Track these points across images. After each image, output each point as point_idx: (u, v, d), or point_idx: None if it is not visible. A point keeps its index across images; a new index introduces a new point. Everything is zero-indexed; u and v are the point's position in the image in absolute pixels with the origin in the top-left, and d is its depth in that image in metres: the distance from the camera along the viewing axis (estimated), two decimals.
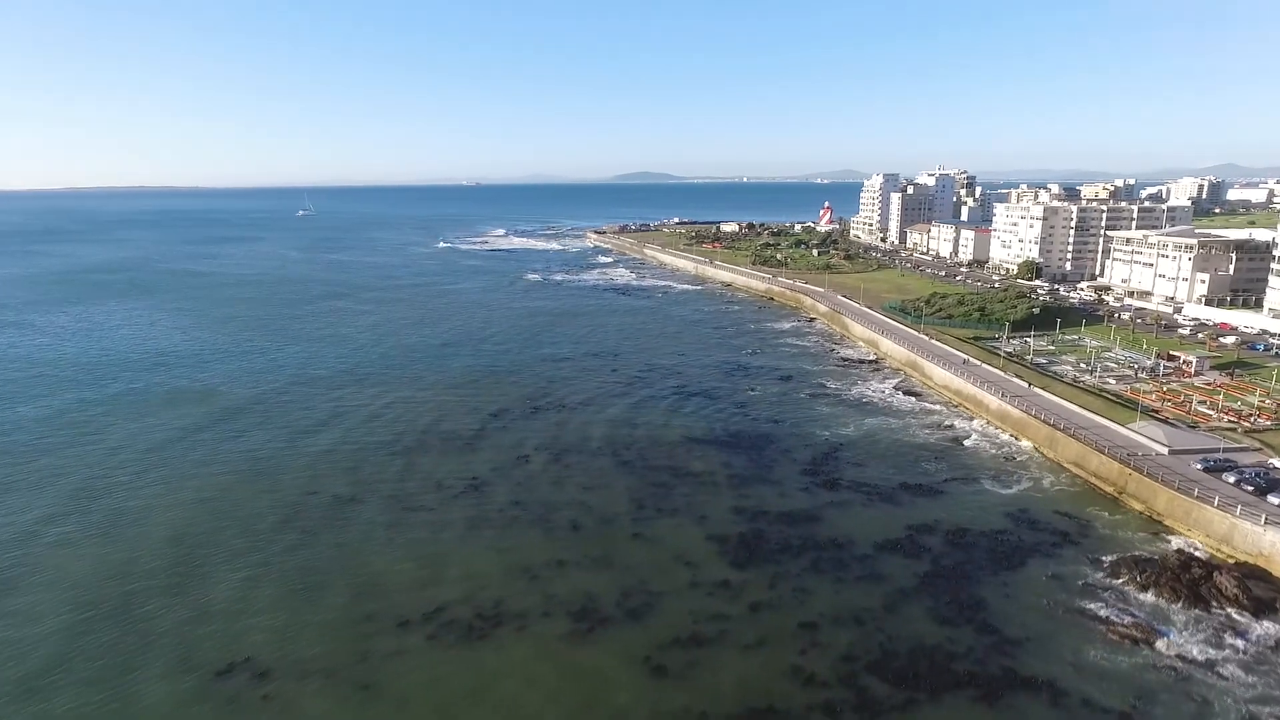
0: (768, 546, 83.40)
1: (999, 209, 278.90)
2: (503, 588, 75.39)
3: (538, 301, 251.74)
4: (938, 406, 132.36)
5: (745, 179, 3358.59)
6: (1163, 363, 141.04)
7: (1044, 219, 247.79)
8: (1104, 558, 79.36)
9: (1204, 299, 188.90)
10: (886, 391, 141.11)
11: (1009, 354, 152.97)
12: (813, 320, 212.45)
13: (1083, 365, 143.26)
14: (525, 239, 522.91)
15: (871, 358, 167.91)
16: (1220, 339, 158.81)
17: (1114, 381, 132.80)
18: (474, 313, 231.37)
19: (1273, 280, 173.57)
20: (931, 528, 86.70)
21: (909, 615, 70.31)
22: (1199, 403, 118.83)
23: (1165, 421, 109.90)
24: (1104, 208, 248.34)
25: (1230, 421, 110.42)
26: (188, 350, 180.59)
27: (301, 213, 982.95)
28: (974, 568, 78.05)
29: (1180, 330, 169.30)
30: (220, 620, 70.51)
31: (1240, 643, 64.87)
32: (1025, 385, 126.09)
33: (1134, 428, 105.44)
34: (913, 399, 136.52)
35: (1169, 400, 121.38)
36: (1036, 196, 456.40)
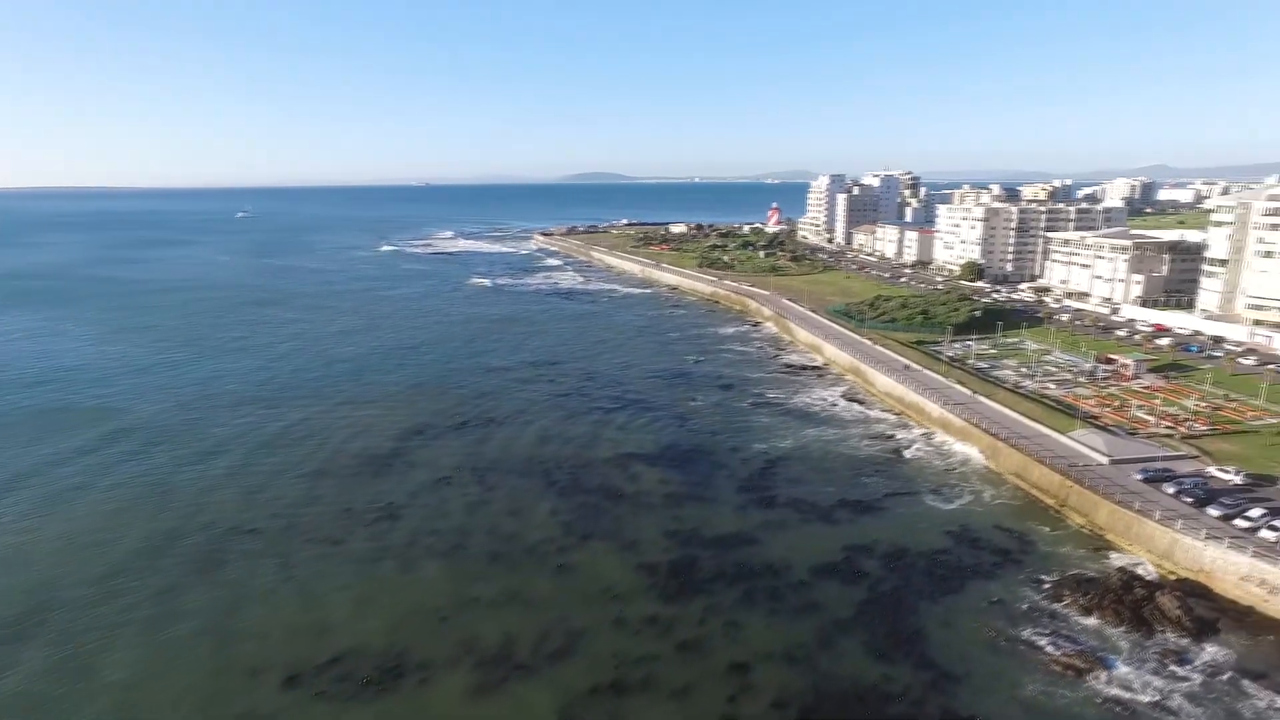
0: (700, 575, 78.42)
1: (941, 210, 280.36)
2: (408, 632, 68.85)
3: (477, 307, 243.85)
4: (880, 415, 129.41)
5: (697, 179, 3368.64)
6: (1101, 366, 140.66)
7: (985, 220, 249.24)
8: (1046, 578, 76.31)
9: (1140, 300, 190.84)
10: (829, 400, 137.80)
11: (951, 358, 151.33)
12: (758, 324, 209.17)
13: (1024, 369, 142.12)
14: (472, 241, 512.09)
15: (815, 364, 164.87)
16: (1156, 340, 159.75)
17: (1054, 386, 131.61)
18: (408, 320, 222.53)
19: (1204, 281, 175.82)
20: (870, 549, 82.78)
21: (844, 650, 65.93)
22: (1137, 408, 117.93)
23: (1105, 428, 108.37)
24: (1043, 209, 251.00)
25: (1168, 427, 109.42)
26: (93, 364, 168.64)
27: (241, 215, 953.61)
28: (912, 593, 74.19)
29: (1118, 332, 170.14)
30: (62, 682, 62.33)
31: (1183, 670, 61.99)
32: (969, 393, 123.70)
33: (1074, 436, 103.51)
34: (855, 407, 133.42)
35: (1108, 405, 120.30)
36: (979, 197, 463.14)
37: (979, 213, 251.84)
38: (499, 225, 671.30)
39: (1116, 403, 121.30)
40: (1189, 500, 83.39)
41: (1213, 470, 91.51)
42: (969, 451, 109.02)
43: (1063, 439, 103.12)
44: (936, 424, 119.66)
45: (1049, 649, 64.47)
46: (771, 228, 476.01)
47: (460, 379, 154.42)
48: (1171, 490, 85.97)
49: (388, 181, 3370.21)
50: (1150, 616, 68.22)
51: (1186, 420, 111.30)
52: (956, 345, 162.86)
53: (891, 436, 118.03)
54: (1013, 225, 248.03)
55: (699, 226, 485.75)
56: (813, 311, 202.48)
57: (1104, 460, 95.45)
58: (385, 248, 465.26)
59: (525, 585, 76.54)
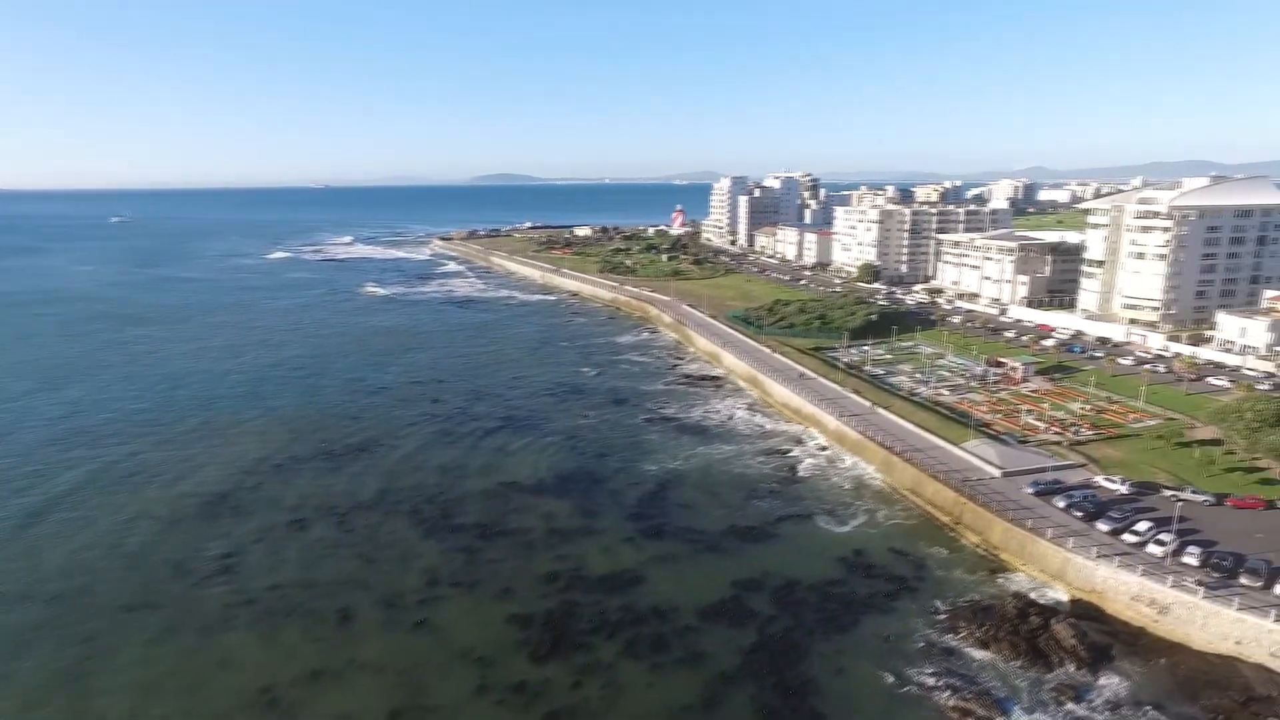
0: (579, 626, 70.84)
1: (839, 212, 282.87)
2: None
3: (362, 319, 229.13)
4: (778, 427, 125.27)
5: (608, 180, 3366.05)
6: (991, 370, 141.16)
7: (879, 223, 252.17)
8: (941, 606, 72.48)
9: (1026, 300, 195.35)
10: (725, 413, 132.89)
11: (848, 365, 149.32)
12: (658, 332, 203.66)
13: (918, 375, 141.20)
14: (369, 246, 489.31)
15: (714, 373, 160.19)
16: (1042, 341, 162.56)
17: (948, 392, 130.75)
18: (282, 334, 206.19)
19: (1083, 282, 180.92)
20: (760, 583, 77.20)
21: (732, 709, 59.75)
22: (1027, 413, 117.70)
23: (997, 437, 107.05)
24: (934, 211, 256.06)
25: (1056, 433, 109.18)
26: None
27: (116, 220, 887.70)
28: (804, 634, 68.84)
29: (1006, 333, 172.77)
30: None
31: (1081, 709, 58.64)
32: (866, 405, 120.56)
33: (967, 447, 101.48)
34: (753, 420, 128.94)
35: (999, 411, 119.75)
36: (875, 199, 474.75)
37: (874, 215, 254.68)
38: (399, 229, 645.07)
39: (1007, 408, 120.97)
40: (1079, 514, 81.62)
41: (1100, 480, 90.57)
42: (864, 467, 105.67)
43: (956, 451, 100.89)
44: (833, 436, 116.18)
45: (945, 695, 60.02)
46: (676, 230, 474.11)
47: (331, 401, 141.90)
48: (1062, 504, 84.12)
49: (286, 184, 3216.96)
50: (1046, 647, 64.94)
51: (1073, 425, 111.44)
52: (853, 350, 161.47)
53: (787, 452, 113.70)
54: (906, 227, 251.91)
55: (604, 229, 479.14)
56: (712, 318, 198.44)
57: (996, 473, 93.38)
58: (274, 254, 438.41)
59: (379, 651, 67.15)
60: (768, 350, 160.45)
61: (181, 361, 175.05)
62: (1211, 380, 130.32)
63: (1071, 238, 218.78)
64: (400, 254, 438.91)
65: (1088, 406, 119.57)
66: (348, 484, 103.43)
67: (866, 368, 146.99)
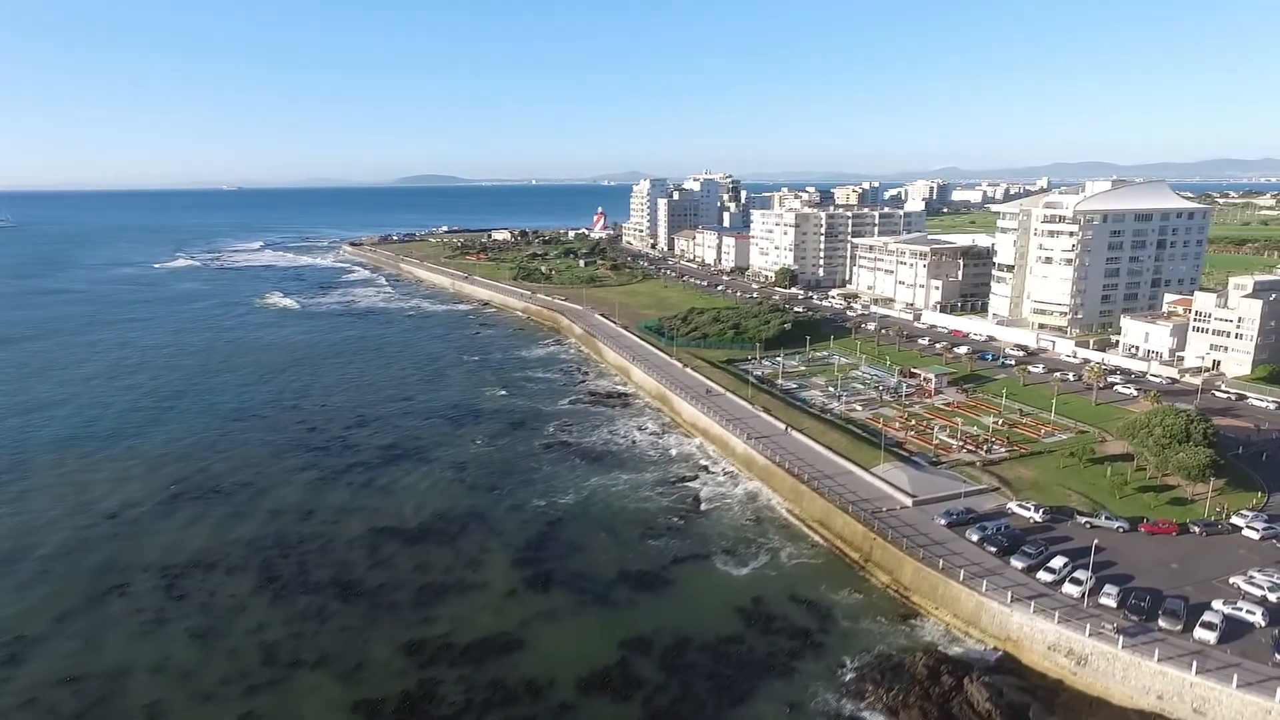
0: (439, 711, 60.79)
1: (756, 216, 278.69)
2: None
3: (248, 334, 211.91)
4: (685, 451, 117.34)
5: (534, 181, 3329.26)
6: (905, 381, 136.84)
7: (796, 226, 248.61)
8: (849, 664, 65.30)
9: (939, 305, 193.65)
10: (629, 436, 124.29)
11: (760, 379, 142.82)
12: (567, 344, 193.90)
13: (831, 388, 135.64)
14: (276, 252, 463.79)
15: (623, 389, 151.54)
16: (955, 349, 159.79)
17: (860, 407, 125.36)
18: (151, 356, 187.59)
19: (994, 286, 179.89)
20: (649, 642, 68.66)
21: None
22: (940, 429, 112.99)
23: (909, 458, 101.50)
24: (849, 214, 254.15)
25: (970, 451, 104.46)
26: None
27: (1, 222, 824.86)
28: (694, 708, 60.55)
29: (920, 340, 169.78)
30: None
31: None
32: (779, 426, 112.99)
33: (879, 472, 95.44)
34: (659, 443, 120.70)
35: (912, 428, 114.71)
36: (794, 200, 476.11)
37: (790, 218, 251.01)
38: (310, 234, 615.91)
39: (920, 424, 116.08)
40: (993, 549, 75.97)
41: (1014, 507, 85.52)
42: (771, 496, 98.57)
43: (867, 477, 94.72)
44: (741, 461, 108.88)
45: None
46: (597, 233, 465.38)
47: (189, 432, 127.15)
48: (975, 537, 78.45)
49: (198, 185, 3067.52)
50: (959, 713, 58.33)
51: (986, 442, 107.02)
52: (766, 362, 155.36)
53: (691, 480, 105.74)
54: (822, 231, 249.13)
55: (523, 233, 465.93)
56: (625, 328, 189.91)
57: (908, 502, 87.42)
58: (167, 263, 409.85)
59: None
60: (679, 365, 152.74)
61: (17, 385, 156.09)
62: (1119, 388, 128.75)
63: (984, 240, 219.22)
64: (309, 260, 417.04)
65: (1000, 420, 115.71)
66: (189, 535, 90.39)
67: (779, 382, 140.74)
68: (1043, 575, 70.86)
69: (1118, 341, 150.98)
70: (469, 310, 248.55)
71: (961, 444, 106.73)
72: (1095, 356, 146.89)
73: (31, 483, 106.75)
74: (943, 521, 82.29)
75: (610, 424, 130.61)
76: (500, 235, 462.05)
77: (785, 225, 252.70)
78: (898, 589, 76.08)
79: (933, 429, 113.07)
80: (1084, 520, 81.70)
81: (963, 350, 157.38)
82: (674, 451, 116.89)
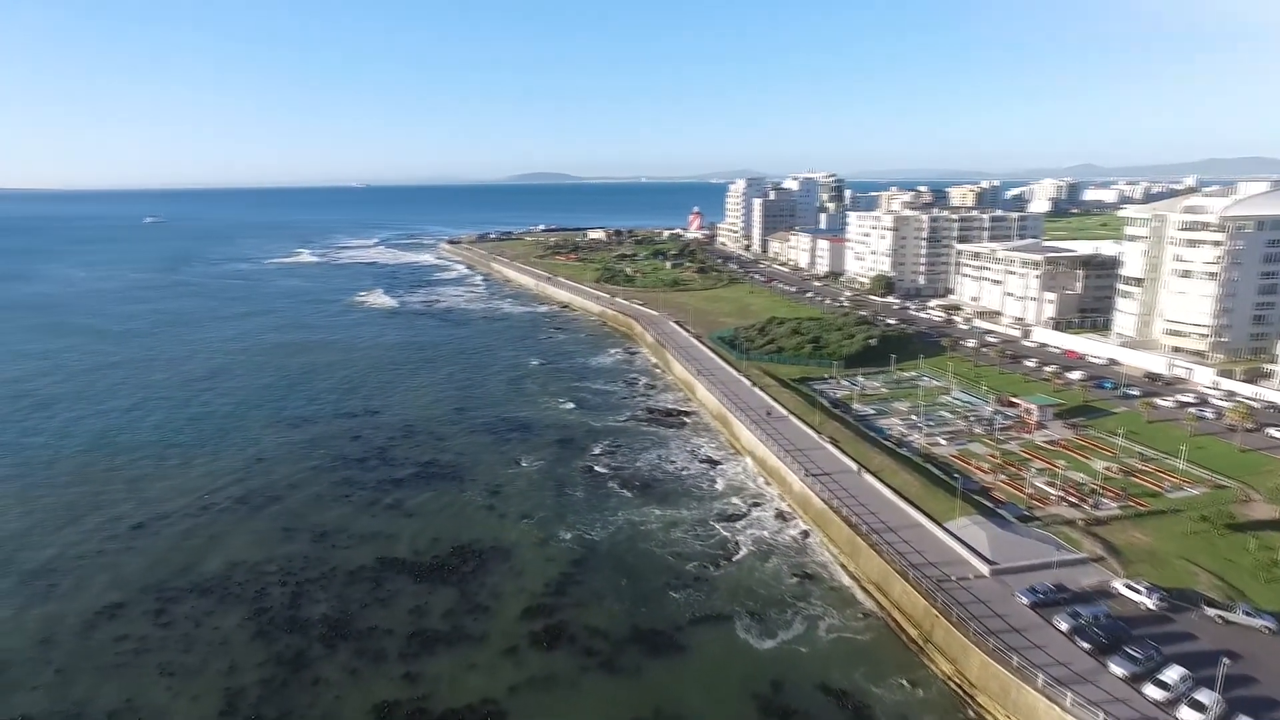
0: None
1: (851, 218, 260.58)
2: None
3: (329, 334, 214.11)
4: (737, 483, 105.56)
5: (644, 179, 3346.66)
6: (1001, 411, 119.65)
7: (894, 230, 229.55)
8: None
9: (1052, 321, 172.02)
10: (680, 463, 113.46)
11: (834, 402, 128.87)
12: (637, 353, 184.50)
13: (914, 415, 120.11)
14: (382, 249, 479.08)
15: (685, 407, 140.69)
16: (1067, 373, 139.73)
17: (945, 441, 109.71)
18: (217, 351, 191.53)
19: (1119, 301, 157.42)
20: None
21: None
22: (1037, 473, 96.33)
23: (995, 510, 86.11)
24: (955, 217, 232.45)
25: (1072, 504, 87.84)
26: None
27: (149, 220, 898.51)
28: None
29: (1026, 361, 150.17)
30: None
31: None
32: (853, 468, 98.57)
33: (953, 528, 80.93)
34: (710, 473, 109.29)
35: (1004, 470, 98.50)
36: (898, 200, 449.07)
37: (888, 221, 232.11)
38: (417, 231, 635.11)
39: (1014, 465, 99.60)
40: (1086, 645, 60.90)
41: (1119, 586, 69.50)
42: (822, 548, 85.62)
43: (938, 533, 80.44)
44: (796, 501, 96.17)
45: None
46: (692, 233, 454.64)
47: (240, 440, 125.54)
48: (1065, 625, 63.40)
49: (330, 183, 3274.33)
50: None
51: (1093, 493, 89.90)
52: (845, 382, 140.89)
53: (737, 519, 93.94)
54: (924, 235, 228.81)
55: (616, 232, 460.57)
56: (697, 338, 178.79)
57: (984, 569, 72.84)
58: (282, 259, 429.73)
59: None
60: (747, 382, 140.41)
61: (74, 384, 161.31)
62: (1272, 432, 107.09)
63: (1110, 248, 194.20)
64: (408, 258, 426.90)
65: (1114, 466, 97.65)
66: (199, 554, 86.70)
67: (854, 406, 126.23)
68: (1151, 691, 55.51)
69: (1272, 372, 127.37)
70: (547, 312, 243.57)
71: (1062, 494, 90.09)
72: (1243, 390, 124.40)
73: (70, 487, 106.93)
74: (1025, 600, 67.46)
75: (663, 446, 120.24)
76: (595, 234, 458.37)
77: (882, 228, 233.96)
78: (960, 684, 62.25)
79: (1028, 472, 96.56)
80: (1215, 613, 64.91)
81: (1076, 376, 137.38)
82: (724, 484, 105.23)
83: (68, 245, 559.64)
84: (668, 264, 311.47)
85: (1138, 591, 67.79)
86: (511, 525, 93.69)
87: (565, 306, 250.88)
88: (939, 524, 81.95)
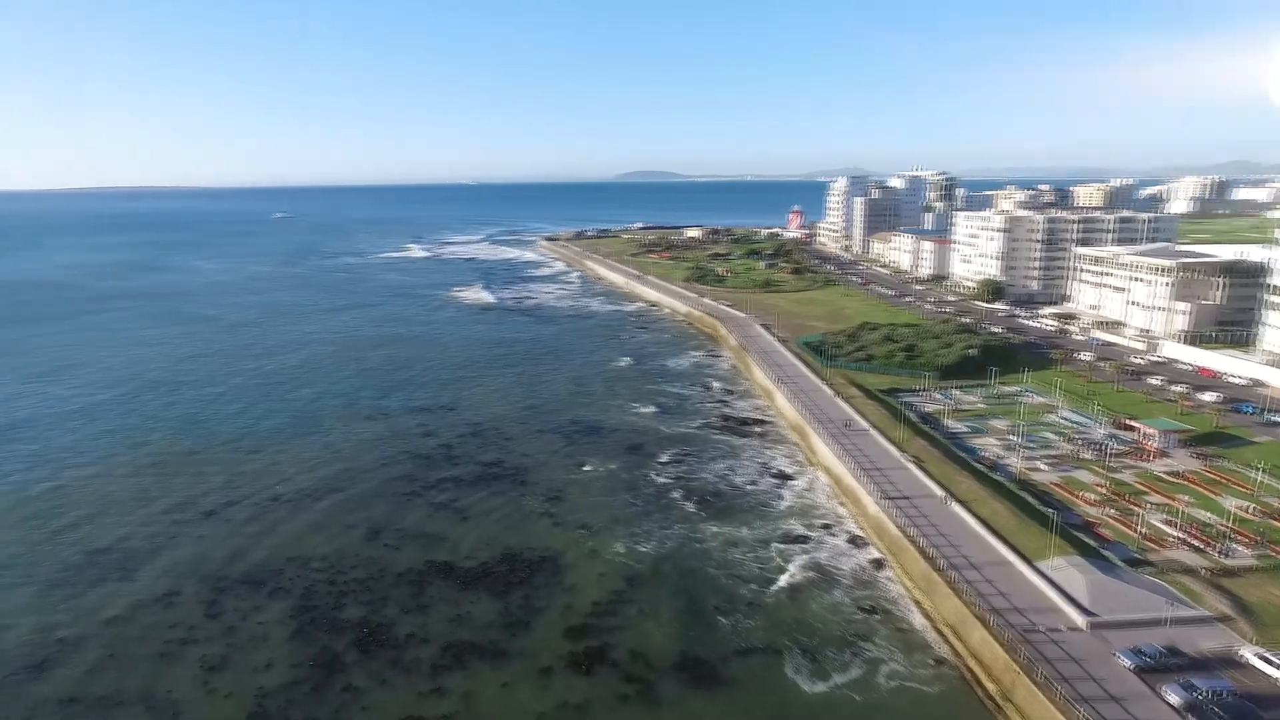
0: None
1: (959, 218, 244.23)
2: None
3: (418, 329, 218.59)
4: (807, 502, 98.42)
5: (749, 177, 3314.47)
6: (1116, 435, 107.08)
7: (1006, 231, 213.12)
8: None
9: (1185, 335, 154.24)
10: (751, 473, 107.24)
11: (924, 416, 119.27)
12: (720, 356, 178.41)
13: (1012, 436, 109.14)
14: (483, 246, 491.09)
15: (762, 416, 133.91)
16: (1198, 394, 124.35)
17: (1046, 467, 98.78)
18: (309, 341, 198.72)
19: (1266, 314, 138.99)
20: None
21: None
22: (1153, 510, 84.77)
23: (1099, 550, 75.96)
24: (1075, 218, 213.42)
25: (1195, 547, 76.48)
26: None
27: (279, 215, 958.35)
28: None
29: (1151, 379, 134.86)
30: None
31: None
32: (939, 495, 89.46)
33: (1047, 568, 71.63)
34: (780, 489, 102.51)
35: (1114, 503, 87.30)
36: (1028, 198, 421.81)
37: (998, 221, 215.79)
38: (518, 228, 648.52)
39: (1127, 498, 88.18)
40: None
41: (1249, 654, 59.00)
42: (894, 581, 77.77)
43: (1028, 574, 71.33)
44: (870, 526, 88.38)
45: None
46: (792, 232, 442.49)
47: (312, 426, 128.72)
48: (1176, 699, 54.00)
49: (444, 180, 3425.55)
50: None
51: (1222, 536, 78.06)
52: (938, 395, 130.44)
53: (803, 541, 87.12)
54: (1038, 237, 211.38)
55: (713, 231, 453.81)
56: (783, 342, 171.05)
57: (1080, 621, 63.66)
58: (390, 253, 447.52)
59: None
60: (830, 391, 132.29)
61: (175, 370, 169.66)
62: None
63: (1258, 253, 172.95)
64: (507, 254, 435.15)
65: (1251, 507, 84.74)
66: (260, 544, 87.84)
67: (945, 422, 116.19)
68: None
69: None
70: (633, 311, 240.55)
71: (1183, 536, 78.68)
72: None
73: (151, 469, 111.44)
74: (1127, 662, 58.17)
75: (735, 456, 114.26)
76: (692, 233, 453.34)
77: (992, 229, 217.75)
78: None
79: (1143, 508, 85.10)
80: None
81: (1209, 398, 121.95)
82: (794, 502, 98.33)
83: (205, 238, 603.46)
84: (761, 264, 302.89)
85: (1273, 664, 57.20)
86: (566, 534, 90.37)
87: (653, 305, 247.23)
88: (1030, 563, 72.75)
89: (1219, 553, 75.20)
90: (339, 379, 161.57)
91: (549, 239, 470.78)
